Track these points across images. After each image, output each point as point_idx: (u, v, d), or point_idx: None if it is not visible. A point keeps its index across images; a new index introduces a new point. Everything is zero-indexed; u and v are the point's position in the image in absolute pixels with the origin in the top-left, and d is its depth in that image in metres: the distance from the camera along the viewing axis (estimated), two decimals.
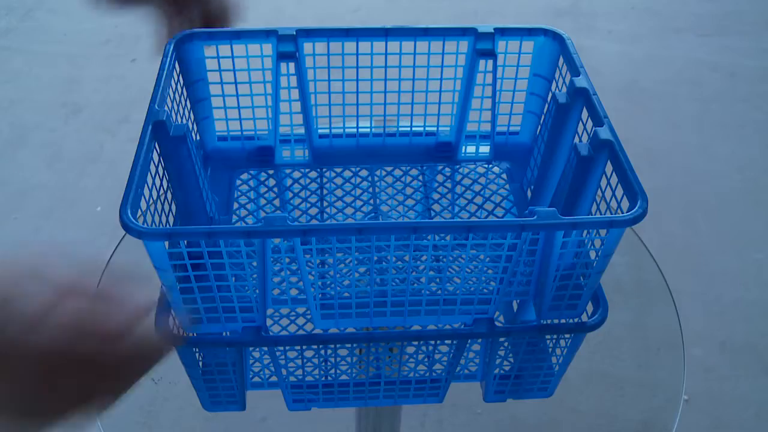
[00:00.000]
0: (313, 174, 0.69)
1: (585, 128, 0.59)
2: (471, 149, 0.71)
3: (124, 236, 0.83)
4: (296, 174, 0.69)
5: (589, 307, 0.56)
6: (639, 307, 0.84)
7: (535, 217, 0.45)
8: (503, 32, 0.64)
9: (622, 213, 0.46)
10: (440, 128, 0.71)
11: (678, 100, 2.05)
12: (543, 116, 0.67)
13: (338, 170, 0.69)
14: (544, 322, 0.54)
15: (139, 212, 0.47)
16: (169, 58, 0.58)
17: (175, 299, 0.49)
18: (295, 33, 0.62)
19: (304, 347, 0.59)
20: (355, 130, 0.70)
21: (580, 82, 0.59)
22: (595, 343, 0.79)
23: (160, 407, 0.76)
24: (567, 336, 0.57)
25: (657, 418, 0.74)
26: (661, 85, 2.10)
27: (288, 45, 0.61)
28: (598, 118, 0.55)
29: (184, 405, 0.72)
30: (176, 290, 0.48)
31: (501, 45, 0.65)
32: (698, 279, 1.51)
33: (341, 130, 0.71)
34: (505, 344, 0.60)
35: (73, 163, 1.80)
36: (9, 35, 2.27)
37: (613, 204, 0.52)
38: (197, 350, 0.57)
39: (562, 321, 0.61)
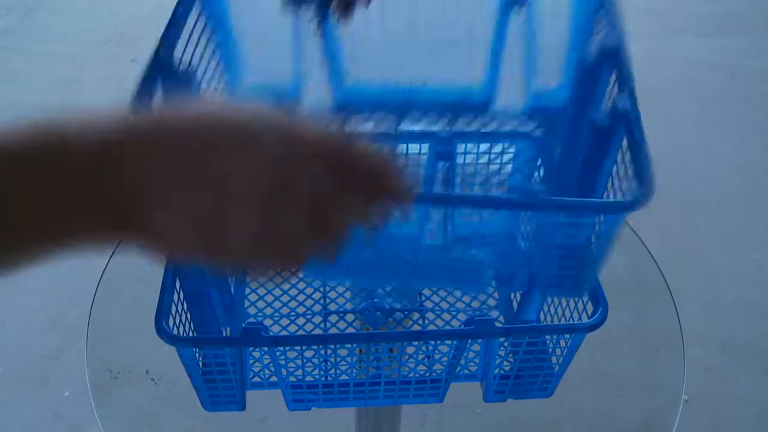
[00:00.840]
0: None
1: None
2: (505, 104, 0.66)
3: None
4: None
5: (589, 307, 0.56)
6: (639, 307, 0.84)
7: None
8: None
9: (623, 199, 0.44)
10: (472, 80, 0.65)
11: (678, 100, 2.05)
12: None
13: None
14: (544, 322, 0.54)
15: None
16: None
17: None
18: None
19: (304, 347, 0.59)
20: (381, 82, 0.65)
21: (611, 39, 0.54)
22: (595, 343, 0.78)
23: (160, 407, 0.76)
24: (567, 336, 0.57)
25: (657, 418, 0.74)
26: (661, 85, 2.10)
27: None
28: (622, 82, 0.51)
29: (184, 405, 0.72)
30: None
31: None
32: (698, 279, 1.51)
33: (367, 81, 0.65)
34: (505, 344, 0.60)
35: None
36: (9, 35, 2.27)
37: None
38: (197, 350, 0.57)
39: (562, 321, 0.61)
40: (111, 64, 2.14)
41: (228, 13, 0.60)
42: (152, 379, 0.75)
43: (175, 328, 0.54)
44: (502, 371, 0.61)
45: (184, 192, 0.31)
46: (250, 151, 0.32)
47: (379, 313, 0.71)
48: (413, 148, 0.69)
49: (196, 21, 0.54)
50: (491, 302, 0.73)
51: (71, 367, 1.33)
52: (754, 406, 1.29)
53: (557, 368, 0.60)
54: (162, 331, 0.50)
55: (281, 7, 0.58)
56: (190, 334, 0.58)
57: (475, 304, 0.73)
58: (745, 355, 1.37)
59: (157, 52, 0.49)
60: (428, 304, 0.72)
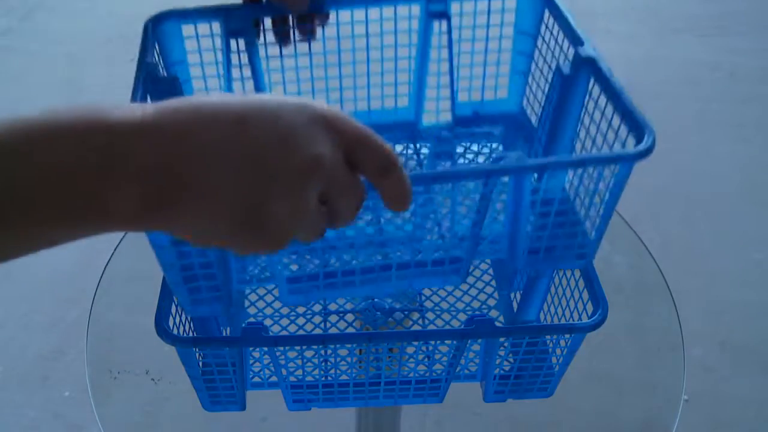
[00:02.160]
0: None
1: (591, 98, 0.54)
2: (432, 119, 0.67)
3: (124, 236, 0.83)
4: None
5: (589, 307, 0.56)
6: (639, 307, 0.84)
7: (503, 161, 0.43)
8: None
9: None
10: (398, 99, 0.66)
11: (678, 100, 2.05)
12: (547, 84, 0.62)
13: None
14: (544, 322, 0.54)
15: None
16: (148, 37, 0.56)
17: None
18: (242, 7, 0.58)
19: (304, 347, 0.59)
20: None
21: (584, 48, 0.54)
22: (595, 343, 0.78)
23: (160, 407, 0.76)
24: (567, 336, 0.57)
25: (657, 418, 0.74)
26: (661, 85, 2.10)
27: (236, 21, 0.58)
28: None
29: (184, 405, 0.72)
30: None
31: (482, 4, 0.61)
32: (698, 279, 1.51)
33: None
34: (505, 344, 0.60)
35: None
36: (9, 35, 2.27)
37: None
38: (197, 350, 0.57)
39: (562, 321, 0.61)
40: (111, 64, 2.14)
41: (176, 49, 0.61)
42: (152, 379, 0.75)
43: (175, 328, 0.54)
44: (502, 371, 0.61)
45: (218, 177, 0.32)
46: (283, 132, 0.33)
47: (379, 313, 0.71)
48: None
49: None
50: (491, 302, 0.73)
51: (71, 367, 1.33)
52: (754, 406, 1.29)
53: (557, 368, 0.60)
54: (162, 331, 0.50)
55: (222, 36, 0.59)
56: (190, 334, 0.58)
57: (475, 304, 0.73)
58: (745, 355, 1.37)
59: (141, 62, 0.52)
60: (428, 304, 0.72)
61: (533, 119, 0.64)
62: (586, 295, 0.57)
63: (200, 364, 0.58)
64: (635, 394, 0.78)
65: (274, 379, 0.61)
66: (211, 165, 0.32)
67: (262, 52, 0.61)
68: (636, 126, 0.47)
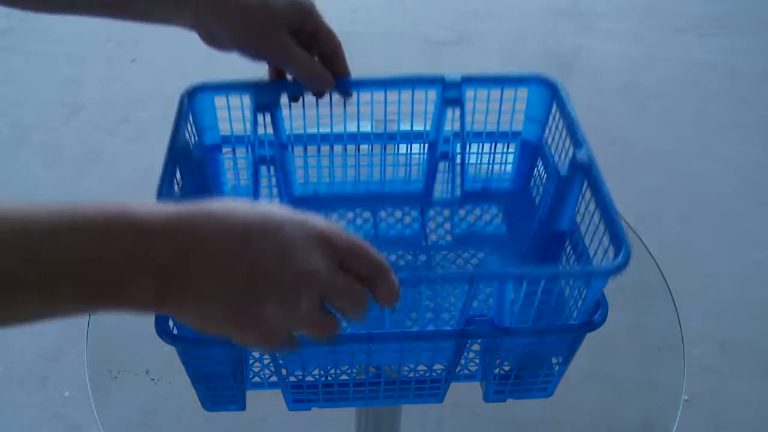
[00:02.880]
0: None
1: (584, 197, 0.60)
2: (442, 191, 0.74)
3: None
4: None
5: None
6: (639, 307, 0.84)
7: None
8: (497, 81, 0.66)
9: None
10: (411, 170, 0.73)
11: (678, 100, 2.05)
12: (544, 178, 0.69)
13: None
14: (544, 322, 0.54)
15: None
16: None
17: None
18: (272, 85, 0.65)
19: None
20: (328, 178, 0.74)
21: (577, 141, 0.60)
22: (595, 343, 0.78)
23: (160, 407, 0.76)
24: (567, 336, 0.57)
25: (657, 418, 0.74)
26: (661, 85, 2.10)
27: (264, 96, 0.64)
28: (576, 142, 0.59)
29: (184, 405, 0.72)
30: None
31: (495, 93, 0.67)
32: (698, 279, 1.51)
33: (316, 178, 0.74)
34: (505, 344, 0.60)
35: (73, 163, 1.80)
36: (9, 35, 2.27)
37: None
38: (197, 350, 0.57)
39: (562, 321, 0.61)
40: (111, 64, 2.14)
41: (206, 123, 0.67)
42: (152, 379, 0.75)
43: (175, 328, 0.54)
44: (501, 371, 0.61)
45: (222, 279, 0.37)
46: (282, 245, 0.38)
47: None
48: (415, 148, 0.70)
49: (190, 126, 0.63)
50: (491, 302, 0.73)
51: (71, 367, 1.33)
52: (754, 406, 1.29)
53: (557, 368, 0.60)
54: (162, 331, 0.50)
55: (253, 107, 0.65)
56: (191, 334, 0.58)
57: (474, 303, 0.73)
58: (745, 355, 1.37)
59: (173, 140, 0.58)
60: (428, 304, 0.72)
61: (537, 199, 0.70)
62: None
63: (200, 364, 0.58)
64: (635, 394, 0.78)
65: (274, 379, 0.61)
66: (217, 269, 0.37)
67: (286, 124, 0.68)
68: (616, 239, 0.52)
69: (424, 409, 0.75)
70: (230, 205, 0.38)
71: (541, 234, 0.65)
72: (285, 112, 0.67)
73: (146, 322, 0.52)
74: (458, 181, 0.72)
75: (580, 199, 0.59)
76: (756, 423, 1.27)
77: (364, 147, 0.71)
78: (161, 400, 0.75)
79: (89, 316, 0.77)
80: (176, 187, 0.57)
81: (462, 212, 0.74)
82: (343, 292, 0.40)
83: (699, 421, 1.26)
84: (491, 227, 0.73)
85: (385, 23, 2.37)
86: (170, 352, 0.54)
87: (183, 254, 0.36)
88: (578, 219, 0.59)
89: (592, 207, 0.56)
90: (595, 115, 1.97)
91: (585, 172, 0.58)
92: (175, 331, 0.52)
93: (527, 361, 0.59)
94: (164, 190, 0.53)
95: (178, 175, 0.58)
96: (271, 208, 0.39)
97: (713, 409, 1.28)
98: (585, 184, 0.58)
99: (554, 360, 0.60)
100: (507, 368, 0.61)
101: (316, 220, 0.40)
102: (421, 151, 0.72)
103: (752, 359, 1.37)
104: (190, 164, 0.60)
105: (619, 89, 2.08)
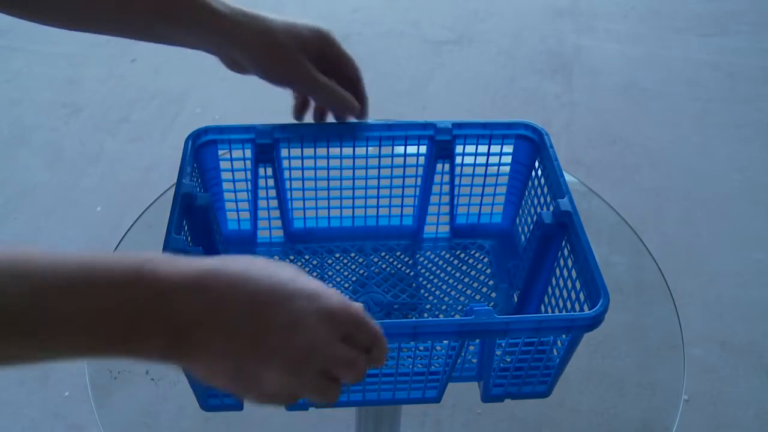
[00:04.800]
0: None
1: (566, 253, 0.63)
2: (432, 230, 0.78)
3: (123, 236, 0.83)
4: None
5: (587, 308, 0.56)
6: (639, 307, 0.84)
7: (473, 316, 0.52)
8: (487, 126, 0.70)
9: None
10: (403, 209, 0.77)
11: (678, 100, 2.05)
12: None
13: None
14: (543, 321, 0.54)
15: None
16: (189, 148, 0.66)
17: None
18: (271, 141, 0.68)
19: None
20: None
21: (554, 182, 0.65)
22: (595, 343, 0.78)
23: (160, 407, 0.76)
24: (565, 336, 0.57)
25: (657, 418, 0.74)
26: (661, 85, 2.11)
27: (266, 150, 0.68)
28: (560, 192, 0.63)
29: (184, 405, 0.72)
30: None
31: (483, 147, 0.71)
32: (698, 279, 1.51)
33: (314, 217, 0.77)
34: (503, 343, 0.60)
35: (73, 163, 1.80)
36: (9, 35, 2.27)
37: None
38: None
39: (561, 320, 0.60)
40: (111, 64, 2.14)
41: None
42: (152, 379, 0.75)
43: None
44: (500, 370, 0.61)
45: (231, 343, 0.39)
46: (291, 318, 0.40)
47: (378, 308, 0.71)
48: (412, 149, 0.70)
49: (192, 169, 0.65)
50: (492, 295, 0.73)
51: (71, 367, 1.33)
52: (754, 406, 1.29)
53: (555, 368, 0.60)
54: None
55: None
56: None
57: (476, 297, 0.73)
58: (745, 355, 1.37)
59: (178, 191, 0.60)
60: (428, 297, 0.72)
61: (523, 238, 0.73)
62: (586, 291, 0.57)
63: None
64: (635, 394, 0.78)
65: None
66: (224, 335, 0.38)
67: (285, 163, 0.71)
68: (593, 292, 0.55)
69: (424, 409, 0.76)
70: (248, 270, 0.40)
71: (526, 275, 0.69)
72: (284, 152, 0.70)
73: None
74: (448, 219, 0.76)
75: (563, 245, 0.63)
76: (756, 423, 1.27)
77: (360, 185, 0.74)
78: (161, 400, 0.75)
79: None
80: (183, 232, 0.60)
81: (450, 250, 0.78)
82: (344, 364, 0.42)
83: (699, 421, 1.26)
84: (480, 264, 0.76)
85: (385, 23, 2.37)
86: None
87: (197, 317, 0.38)
88: (560, 263, 0.63)
89: (573, 256, 0.59)
90: (595, 115, 1.97)
91: (567, 222, 0.61)
92: None
93: (525, 360, 0.59)
94: (171, 240, 0.56)
95: (184, 221, 0.61)
96: (287, 275, 0.41)
97: (713, 409, 1.28)
98: (565, 236, 0.62)
99: (555, 352, 0.60)
100: (505, 368, 0.61)
101: (329, 295, 0.41)
102: (415, 194, 0.75)
103: (752, 359, 1.37)
104: (193, 208, 0.62)
105: (619, 89, 2.08)
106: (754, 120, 1.98)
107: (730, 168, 1.81)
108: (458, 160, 0.72)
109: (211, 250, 0.67)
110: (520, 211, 0.75)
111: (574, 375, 0.62)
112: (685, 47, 2.28)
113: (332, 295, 0.42)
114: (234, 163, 0.71)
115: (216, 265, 0.39)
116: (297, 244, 0.77)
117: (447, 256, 0.77)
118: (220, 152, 0.70)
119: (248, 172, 0.71)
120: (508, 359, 0.61)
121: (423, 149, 0.71)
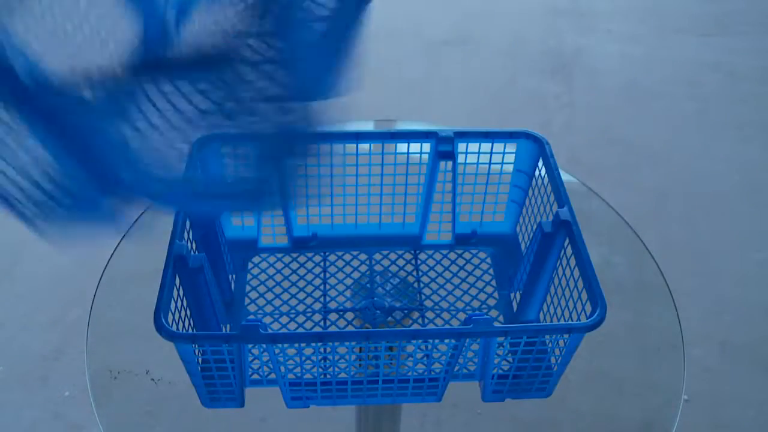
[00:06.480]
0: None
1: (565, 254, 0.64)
2: (434, 237, 0.79)
3: (123, 237, 0.83)
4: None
5: (588, 308, 0.56)
6: (639, 307, 0.84)
7: (472, 325, 0.53)
8: (488, 135, 0.71)
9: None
10: (406, 216, 0.77)
11: (678, 100, 2.05)
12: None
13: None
14: (543, 322, 0.54)
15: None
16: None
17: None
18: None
19: (303, 345, 0.59)
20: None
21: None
22: (595, 343, 0.78)
23: (160, 407, 0.76)
24: (566, 336, 0.57)
25: (657, 418, 0.74)
26: (661, 85, 2.10)
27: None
28: (560, 200, 0.64)
29: (184, 405, 0.72)
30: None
31: (486, 146, 0.72)
32: (698, 279, 1.51)
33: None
34: (504, 344, 0.60)
35: None
36: None
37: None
38: (196, 347, 0.57)
39: (561, 321, 0.61)
40: None
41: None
42: (152, 379, 0.75)
43: (174, 324, 0.54)
44: (500, 371, 0.61)
45: None
46: None
47: (378, 311, 0.71)
48: (415, 147, 0.70)
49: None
50: (491, 302, 0.73)
51: (71, 367, 1.33)
52: (754, 406, 1.29)
53: (556, 368, 0.60)
54: (161, 327, 0.50)
55: None
56: (189, 330, 0.58)
57: (475, 303, 0.73)
58: (745, 355, 1.37)
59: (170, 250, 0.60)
60: (428, 303, 0.72)
61: (523, 246, 0.74)
62: (585, 296, 0.58)
63: (199, 360, 0.58)
64: (635, 394, 0.78)
65: (272, 376, 0.61)
66: None
67: None
68: (593, 298, 0.56)
69: (424, 409, 0.75)
70: None
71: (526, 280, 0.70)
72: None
73: (146, 321, 0.52)
74: (450, 226, 0.77)
75: (562, 253, 0.63)
76: (756, 423, 1.27)
77: (363, 192, 0.74)
78: (161, 400, 0.75)
79: (89, 315, 0.77)
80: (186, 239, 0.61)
81: (453, 256, 0.78)
82: None
83: (699, 421, 1.26)
84: (480, 270, 0.77)
85: (385, 23, 2.37)
86: (170, 352, 0.54)
87: None
88: (559, 272, 0.64)
89: (572, 263, 0.60)
90: (595, 115, 1.97)
91: (566, 230, 0.62)
92: (173, 328, 0.52)
93: (525, 360, 0.59)
94: (175, 246, 0.57)
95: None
96: None
97: (713, 409, 1.28)
98: (567, 241, 0.62)
99: (553, 360, 0.60)
100: (505, 368, 0.61)
101: None
102: (417, 201, 0.76)
103: (752, 359, 1.37)
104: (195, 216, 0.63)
105: (619, 89, 2.08)
106: (754, 120, 1.98)
107: (730, 168, 1.81)
108: (460, 169, 0.73)
109: (215, 255, 0.67)
110: (521, 219, 0.76)
111: (574, 375, 0.62)
112: (685, 47, 2.28)
113: None
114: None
115: None
116: (301, 249, 0.77)
117: (448, 263, 0.77)
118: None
119: None
120: (507, 366, 0.61)
121: (425, 158, 0.72)
